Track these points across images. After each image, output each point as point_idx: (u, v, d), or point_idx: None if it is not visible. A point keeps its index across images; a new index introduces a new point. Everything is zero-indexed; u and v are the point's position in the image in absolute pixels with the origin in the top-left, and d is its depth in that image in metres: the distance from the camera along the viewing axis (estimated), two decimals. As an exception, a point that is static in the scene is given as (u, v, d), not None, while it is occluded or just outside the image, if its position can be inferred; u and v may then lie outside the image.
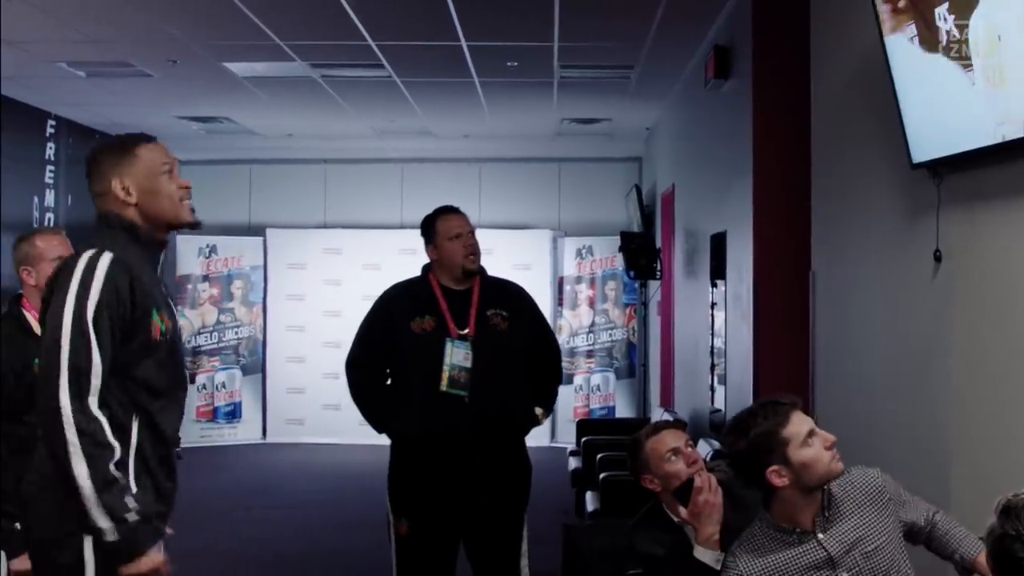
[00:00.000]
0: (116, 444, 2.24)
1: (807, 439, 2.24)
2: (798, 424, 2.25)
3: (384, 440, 3.94)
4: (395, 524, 3.81)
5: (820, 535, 2.28)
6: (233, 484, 8.69)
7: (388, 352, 3.84)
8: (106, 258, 2.28)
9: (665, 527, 2.71)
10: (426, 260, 3.95)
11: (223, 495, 8.01)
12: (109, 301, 2.25)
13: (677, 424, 2.93)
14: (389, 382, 3.90)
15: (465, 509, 3.76)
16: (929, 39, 2.69)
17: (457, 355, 3.73)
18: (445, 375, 3.71)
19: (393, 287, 3.98)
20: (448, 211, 3.93)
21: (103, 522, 2.20)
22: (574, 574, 3.73)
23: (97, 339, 2.23)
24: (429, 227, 3.90)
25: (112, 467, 2.22)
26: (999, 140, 2.46)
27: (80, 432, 2.19)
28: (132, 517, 2.23)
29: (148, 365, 2.35)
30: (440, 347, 3.72)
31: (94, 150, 2.47)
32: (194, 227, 2.55)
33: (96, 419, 2.21)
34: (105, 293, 2.25)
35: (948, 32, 2.58)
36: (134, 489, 2.29)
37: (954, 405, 2.87)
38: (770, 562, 2.28)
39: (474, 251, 3.84)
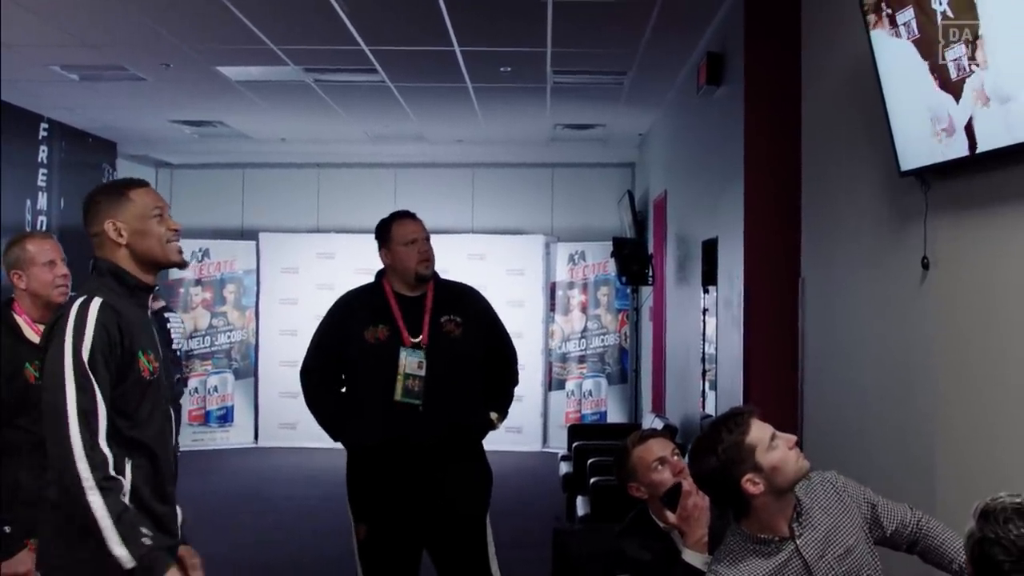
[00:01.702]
0: (122, 478, 2.37)
1: (771, 442, 2.28)
2: (760, 430, 2.30)
3: None
4: (355, 528, 3.79)
5: (797, 540, 2.31)
6: (225, 488, 8.68)
7: (342, 359, 3.81)
8: (96, 303, 2.42)
9: (651, 534, 2.73)
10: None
11: (215, 499, 7.99)
12: (102, 343, 2.38)
13: (663, 433, 2.95)
14: (344, 389, 3.87)
15: (423, 517, 3.72)
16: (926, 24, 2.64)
17: (411, 364, 3.69)
18: (399, 384, 3.68)
19: (347, 294, 3.94)
20: (403, 216, 3.88)
21: (119, 550, 2.30)
22: (564, 578, 3.73)
23: (96, 380, 2.36)
24: (384, 231, 3.85)
25: (123, 497, 2.35)
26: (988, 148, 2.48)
27: (92, 467, 2.31)
28: (147, 542, 2.33)
29: (140, 403, 2.46)
30: (394, 356, 3.69)
31: (91, 194, 2.61)
32: (181, 267, 2.69)
33: (104, 455, 2.34)
34: (97, 336, 2.38)
35: (943, 13, 2.54)
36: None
37: (940, 410, 2.89)
38: (751, 569, 2.30)
39: (428, 257, 3.80)
